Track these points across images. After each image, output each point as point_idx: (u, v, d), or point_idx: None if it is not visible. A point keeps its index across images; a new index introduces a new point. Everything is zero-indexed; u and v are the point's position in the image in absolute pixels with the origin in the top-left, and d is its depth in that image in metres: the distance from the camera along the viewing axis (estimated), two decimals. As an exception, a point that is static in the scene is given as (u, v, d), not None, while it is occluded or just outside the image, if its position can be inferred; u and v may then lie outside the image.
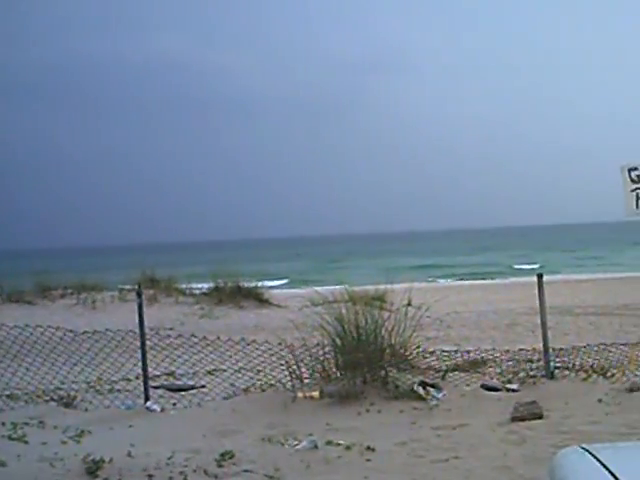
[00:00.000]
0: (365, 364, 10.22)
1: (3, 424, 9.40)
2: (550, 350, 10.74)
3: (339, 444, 8.04)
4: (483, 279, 48.31)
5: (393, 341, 10.56)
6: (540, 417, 8.76)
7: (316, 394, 9.98)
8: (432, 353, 11.59)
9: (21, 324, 12.57)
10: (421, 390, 9.79)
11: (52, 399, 10.98)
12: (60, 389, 11.65)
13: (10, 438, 8.74)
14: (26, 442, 8.56)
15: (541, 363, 10.89)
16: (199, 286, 25.09)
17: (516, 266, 59.04)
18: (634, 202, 9.56)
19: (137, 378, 11.82)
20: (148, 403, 10.42)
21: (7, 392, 11.60)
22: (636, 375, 10.47)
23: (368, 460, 7.57)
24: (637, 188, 9.57)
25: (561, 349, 11.74)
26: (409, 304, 13.50)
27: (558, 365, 10.93)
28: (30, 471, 7.39)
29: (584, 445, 2.91)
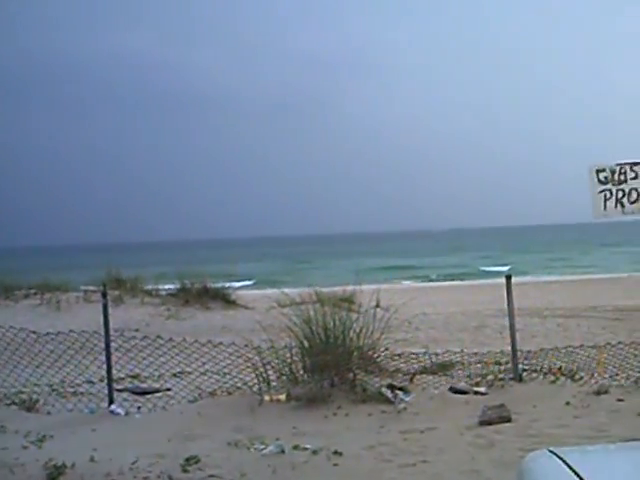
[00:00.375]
0: (333, 366, 10.15)
1: (-37, 429, 9.28)
2: (518, 353, 10.75)
3: (306, 448, 7.99)
4: (452, 280, 48.56)
5: (361, 343, 10.51)
6: (508, 420, 8.74)
7: (283, 397, 9.90)
8: (400, 355, 11.58)
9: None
10: (389, 393, 9.75)
11: (13, 402, 10.84)
12: (22, 392, 11.50)
13: None
14: None
15: (509, 366, 10.89)
16: (166, 287, 24.90)
17: (484, 268, 59.12)
18: (602, 204, 9.58)
19: (101, 381, 11.72)
20: (112, 407, 10.28)
21: (-33, 395, 11.45)
22: (604, 378, 10.52)
23: (335, 465, 7.52)
24: (605, 190, 9.57)
25: (529, 351, 11.75)
26: (377, 306, 13.47)
27: (526, 368, 10.95)
28: (-11, 477, 7.30)
29: (552, 448, 2.91)
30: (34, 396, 11.10)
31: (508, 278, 10.88)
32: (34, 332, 12.53)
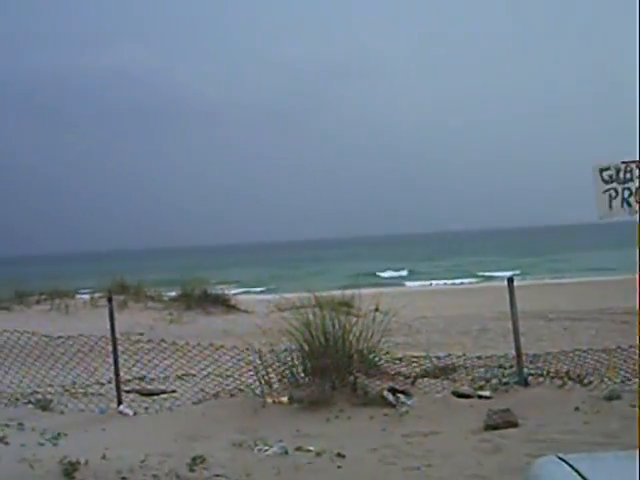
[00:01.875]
0: (333, 370, 10.20)
1: (-15, 425, 9.54)
2: (523, 356, 10.56)
3: (309, 450, 8.09)
4: (453, 283, 48.49)
5: (361, 346, 10.53)
6: (514, 425, 8.63)
7: (285, 400, 9.99)
8: (401, 359, 11.53)
9: (-1, 329, 12.60)
10: (391, 396, 9.77)
11: (30, 402, 11.10)
12: (37, 392, 11.76)
13: None
14: (6, 443, 8.74)
15: (514, 370, 10.68)
16: (168, 292, 25.15)
17: (486, 273, 58.42)
18: (607, 203, 9.15)
19: (109, 382, 11.88)
20: (121, 407, 10.45)
21: (-14, 394, 11.71)
22: (615, 383, 10.25)
23: (339, 467, 7.61)
24: (609, 189, 9.18)
25: (535, 355, 11.46)
26: (377, 309, 13.56)
27: (532, 372, 10.70)
28: (10, 472, 7.60)
29: (561, 455, 2.83)
30: (48, 396, 11.36)
31: (510, 280, 10.74)
32: (46, 336, 12.78)
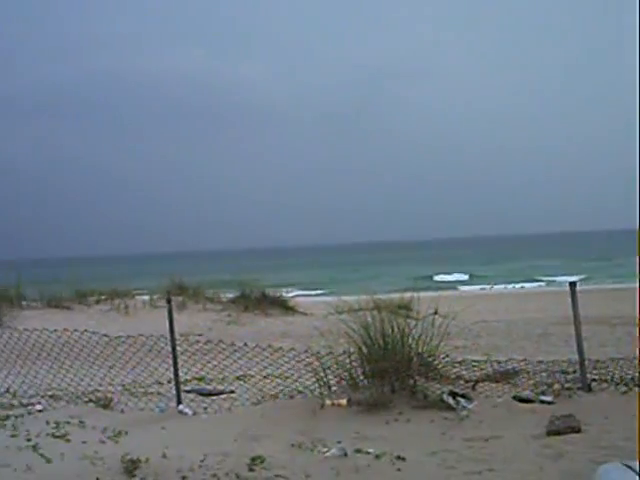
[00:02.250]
0: (392, 373, 10.17)
1: (47, 423, 9.74)
2: (586, 362, 10.41)
3: (369, 453, 8.07)
4: (514, 287, 47.98)
5: (420, 350, 10.48)
6: (578, 431, 8.48)
7: (344, 402, 9.97)
8: (461, 363, 11.47)
9: (60, 328, 12.89)
10: (451, 400, 9.71)
11: (91, 400, 11.27)
12: (98, 391, 11.95)
13: (54, 436, 9.10)
14: (68, 440, 8.90)
15: (576, 375, 10.55)
16: (226, 293, 25.29)
17: (549, 278, 57.42)
18: None
19: (169, 382, 11.97)
20: (180, 406, 10.54)
21: (50, 392, 12.00)
22: None
23: (398, 470, 7.57)
24: None
25: (598, 361, 11.33)
26: (436, 312, 13.46)
27: (595, 377, 10.57)
28: (73, 468, 7.75)
29: (626, 461, 2.82)
30: (109, 395, 11.51)
31: (573, 285, 10.62)
32: (106, 335, 13.01)
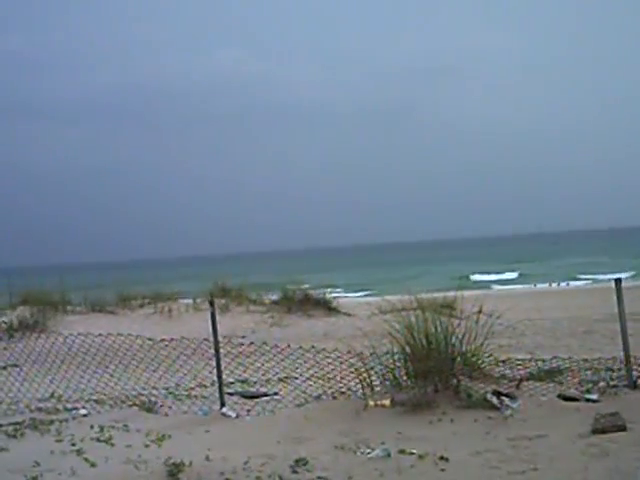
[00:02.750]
0: (436, 372, 10.12)
1: (92, 427, 9.87)
2: (632, 359, 10.23)
3: (412, 453, 8.05)
4: (558, 285, 47.47)
5: (464, 349, 10.43)
6: (623, 429, 8.37)
7: (387, 402, 9.95)
8: (505, 362, 11.39)
9: (104, 332, 13.06)
10: (495, 399, 9.63)
11: (135, 404, 11.37)
12: (141, 394, 12.08)
13: (98, 440, 9.21)
14: (112, 444, 9.01)
15: (622, 372, 10.41)
16: (269, 295, 25.36)
17: (596, 276, 55.93)
18: None
19: (212, 385, 12.05)
20: (224, 409, 10.58)
21: (94, 397, 12.18)
22: None
23: (442, 470, 7.55)
24: None
25: None
26: (480, 311, 13.36)
27: None
28: (117, 472, 7.84)
29: None
30: (152, 398, 11.65)
31: (618, 281, 10.46)
32: (150, 339, 13.10)
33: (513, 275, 64.28)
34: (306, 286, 25.36)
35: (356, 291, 49.59)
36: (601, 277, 49.51)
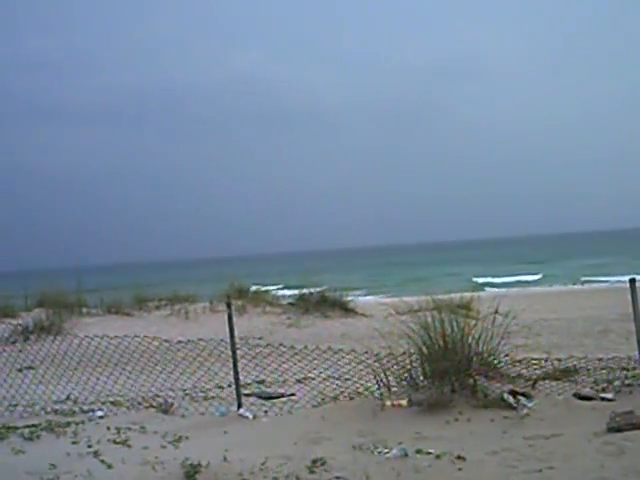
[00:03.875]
0: (453, 372, 10.15)
1: (108, 429, 9.90)
2: None
3: (429, 453, 8.06)
4: (573, 285, 47.31)
5: (481, 349, 10.46)
6: (639, 428, 8.37)
7: (404, 402, 9.98)
8: (521, 361, 11.39)
9: (121, 334, 13.06)
10: (511, 399, 9.65)
11: (151, 405, 11.42)
12: (158, 396, 12.11)
13: (115, 442, 9.23)
14: (129, 446, 9.03)
15: (637, 372, 10.45)
16: (285, 296, 25.42)
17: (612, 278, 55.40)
18: None
19: (229, 386, 12.09)
20: (241, 410, 10.63)
21: (111, 399, 12.22)
22: None
23: (459, 469, 7.56)
24: None
25: None
26: (496, 312, 13.38)
27: None
28: (134, 474, 7.86)
29: None
30: (169, 400, 11.66)
31: (632, 281, 10.46)
32: (167, 340, 13.18)
33: (535, 277, 63.69)
34: (323, 287, 25.37)
35: (373, 292, 49.54)
36: (619, 278, 49.17)
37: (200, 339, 12.63)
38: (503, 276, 63.39)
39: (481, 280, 59.97)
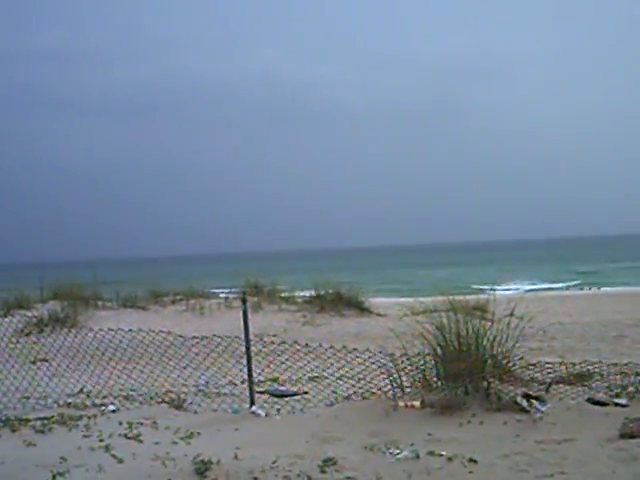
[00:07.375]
0: (466, 374, 10.13)
1: (120, 423, 9.88)
2: None
3: (441, 455, 8.04)
4: (589, 289, 47.02)
5: (495, 351, 10.44)
6: None
7: (417, 403, 9.96)
8: (535, 365, 11.35)
9: (135, 328, 13.08)
10: (524, 402, 9.62)
11: (164, 401, 11.40)
12: (171, 392, 12.11)
13: (126, 437, 9.22)
14: (140, 441, 9.01)
15: None
16: (301, 294, 25.40)
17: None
18: None
19: (242, 383, 12.11)
20: (253, 408, 10.62)
21: (123, 393, 12.21)
22: None
23: (470, 472, 7.54)
24: None
25: None
26: (511, 314, 13.33)
27: None
28: (144, 469, 7.85)
29: None
30: (182, 395, 11.67)
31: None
32: (181, 336, 13.19)
33: (571, 283, 62.79)
34: (340, 286, 25.35)
35: (390, 292, 49.43)
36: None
37: (214, 335, 12.63)
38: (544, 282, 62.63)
39: (527, 287, 59.48)
